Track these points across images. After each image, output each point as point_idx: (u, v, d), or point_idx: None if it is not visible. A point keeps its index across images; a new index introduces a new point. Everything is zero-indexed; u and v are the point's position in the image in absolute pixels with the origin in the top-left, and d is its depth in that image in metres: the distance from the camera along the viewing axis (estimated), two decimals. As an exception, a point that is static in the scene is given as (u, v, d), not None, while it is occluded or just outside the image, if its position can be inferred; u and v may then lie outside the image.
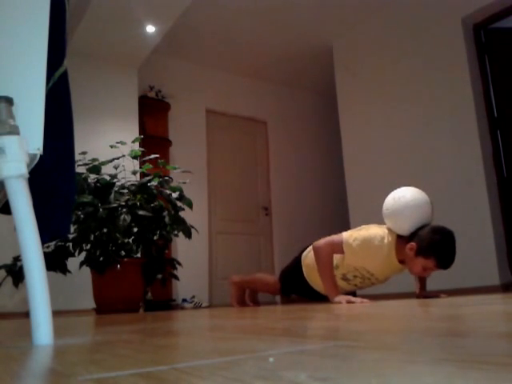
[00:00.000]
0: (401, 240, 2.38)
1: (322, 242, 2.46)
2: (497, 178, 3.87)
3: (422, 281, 2.62)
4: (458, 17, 4.07)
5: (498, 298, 2.03)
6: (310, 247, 2.71)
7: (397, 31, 4.58)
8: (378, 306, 1.86)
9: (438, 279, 3.50)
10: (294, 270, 2.79)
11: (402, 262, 2.41)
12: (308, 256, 2.70)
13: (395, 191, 2.47)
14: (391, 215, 2.40)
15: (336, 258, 2.50)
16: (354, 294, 2.72)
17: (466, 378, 0.32)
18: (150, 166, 3.47)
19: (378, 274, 2.50)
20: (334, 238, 2.47)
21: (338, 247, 2.42)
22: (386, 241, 2.37)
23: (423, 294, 2.58)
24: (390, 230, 2.44)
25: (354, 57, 5.02)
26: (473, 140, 3.86)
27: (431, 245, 2.25)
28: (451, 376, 0.34)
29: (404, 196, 2.39)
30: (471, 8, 4.01)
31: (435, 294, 2.53)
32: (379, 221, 2.55)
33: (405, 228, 2.36)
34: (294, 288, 2.83)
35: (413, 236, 2.33)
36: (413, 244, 2.30)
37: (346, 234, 2.46)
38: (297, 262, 2.78)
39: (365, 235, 2.40)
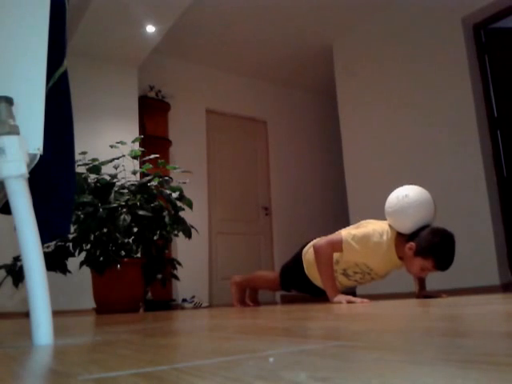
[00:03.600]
0: (401, 237, 2.39)
1: (323, 241, 2.46)
2: (497, 178, 3.87)
3: (422, 280, 2.62)
4: (458, 17, 4.07)
5: (497, 297, 2.03)
6: (311, 243, 2.72)
7: (397, 31, 4.58)
8: (378, 306, 1.86)
9: (438, 279, 3.50)
10: (294, 265, 2.80)
11: (401, 258, 2.42)
12: (309, 251, 2.70)
13: (399, 189, 2.46)
14: (394, 214, 2.40)
15: (337, 253, 2.51)
16: (354, 293, 2.72)
17: (466, 378, 0.32)
18: (150, 165, 3.47)
19: (378, 270, 2.50)
20: (333, 237, 2.47)
21: (338, 246, 2.42)
22: (385, 237, 2.38)
23: (423, 293, 2.58)
24: (390, 226, 2.44)
25: (354, 57, 5.02)
26: (473, 140, 3.85)
27: (430, 246, 2.25)
28: (451, 376, 0.34)
29: (408, 195, 2.38)
30: (471, 8, 4.01)
31: (435, 294, 2.53)
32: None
33: (407, 227, 2.36)
34: (294, 283, 2.84)
35: (413, 236, 2.34)
36: (412, 244, 2.30)
37: (344, 232, 2.46)
38: (297, 257, 2.79)
39: (363, 232, 2.41)
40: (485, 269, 3.64)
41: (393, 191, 2.50)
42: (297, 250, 2.86)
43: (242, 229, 5.65)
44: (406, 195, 2.38)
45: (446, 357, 0.43)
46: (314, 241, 2.69)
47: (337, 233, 2.54)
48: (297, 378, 0.36)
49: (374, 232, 2.39)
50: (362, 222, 2.61)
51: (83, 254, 3.21)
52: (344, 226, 2.69)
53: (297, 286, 2.85)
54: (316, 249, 2.46)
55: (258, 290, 3.15)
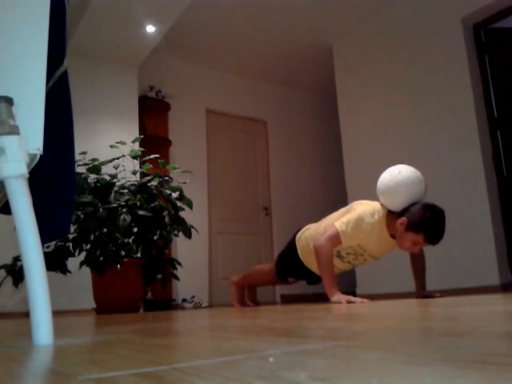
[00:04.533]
0: (391, 215, 2.44)
1: (322, 239, 2.46)
2: (497, 178, 3.87)
3: (421, 280, 2.62)
4: (458, 17, 4.07)
5: (497, 298, 2.03)
6: (304, 228, 2.79)
7: (397, 31, 4.58)
8: (378, 305, 1.86)
9: (438, 279, 3.51)
10: (288, 251, 2.83)
11: (392, 236, 2.46)
12: (302, 237, 2.75)
13: (391, 168, 2.52)
14: (387, 191, 2.46)
15: None
16: (354, 293, 2.73)
17: (466, 378, 0.32)
18: (150, 165, 3.47)
19: (371, 250, 2.53)
20: (330, 233, 2.47)
21: (337, 239, 2.44)
22: (376, 216, 2.43)
23: (423, 293, 2.58)
24: (381, 204, 2.49)
25: (354, 57, 5.02)
26: (473, 140, 3.85)
27: (421, 220, 2.30)
28: (451, 376, 0.34)
29: (400, 173, 2.45)
30: (471, 8, 4.01)
31: (434, 294, 2.53)
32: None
33: (399, 203, 2.42)
34: (290, 270, 2.86)
35: (404, 212, 2.39)
36: (404, 219, 2.35)
37: (338, 224, 2.46)
38: (291, 243, 2.82)
39: (355, 217, 2.44)
40: (485, 269, 3.64)
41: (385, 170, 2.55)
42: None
43: (241, 229, 5.65)
44: (400, 172, 2.45)
45: (445, 357, 0.43)
46: (307, 228, 2.77)
47: (329, 225, 2.55)
48: (297, 378, 0.36)
49: (365, 213, 2.44)
50: (353, 203, 2.64)
51: (83, 254, 3.21)
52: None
53: (292, 272, 2.87)
54: (318, 248, 2.47)
55: (256, 289, 3.16)
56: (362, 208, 2.49)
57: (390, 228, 2.44)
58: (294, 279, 2.94)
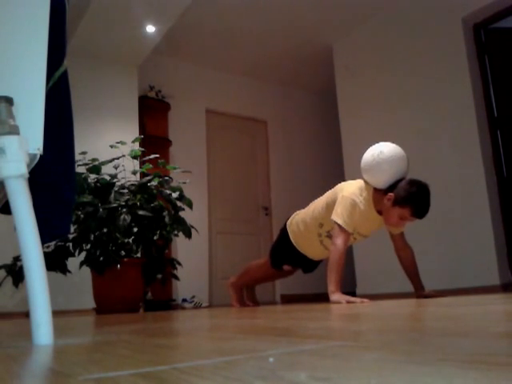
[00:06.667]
0: (378, 192, 2.49)
1: (339, 242, 2.45)
2: (497, 178, 3.87)
3: (416, 280, 2.62)
4: (458, 17, 4.07)
5: (497, 298, 2.03)
6: (293, 214, 2.87)
7: (397, 31, 4.58)
8: (378, 305, 1.86)
9: (438, 279, 3.51)
10: (281, 239, 2.88)
11: (379, 213, 2.51)
12: (292, 222, 2.81)
13: (373, 147, 2.56)
14: (370, 170, 2.50)
15: (320, 215, 2.63)
16: (353, 293, 2.73)
17: (466, 378, 0.32)
18: (150, 165, 3.47)
19: (360, 228, 2.56)
20: (338, 231, 2.47)
21: (345, 233, 2.47)
22: (364, 194, 2.49)
23: (423, 293, 2.58)
24: (366, 182, 2.54)
25: (354, 57, 5.02)
26: (473, 140, 3.85)
27: (408, 195, 2.37)
28: (451, 376, 0.34)
29: (382, 152, 2.49)
30: (471, 8, 4.00)
31: (433, 294, 2.53)
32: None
33: (383, 181, 2.47)
34: (285, 257, 2.89)
35: (391, 188, 2.44)
36: (391, 194, 2.41)
37: (336, 218, 2.47)
38: (283, 231, 2.87)
39: (348, 201, 2.47)
40: (485, 269, 3.64)
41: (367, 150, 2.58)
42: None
43: (241, 229, 5.64)
44: (381, 151, 2.49)
45: (445, 357, 0.43)
46: (296, 213, 2.85)
47: (319, 206, 2.64)
48: (297, 378, 0.36)
49: (355, 195, 2.49)
50: (338, 186, 2.67)
51: (83, 254, 3.21)
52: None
53: (287, 259, 2.90)
54: (334, 252, 2.45)
55: (255, 288, 3.16)
56: (350, 189, 2.53)
57: (376, 204, 2.50)
58: (290, 267, 2.94)
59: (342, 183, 2.69)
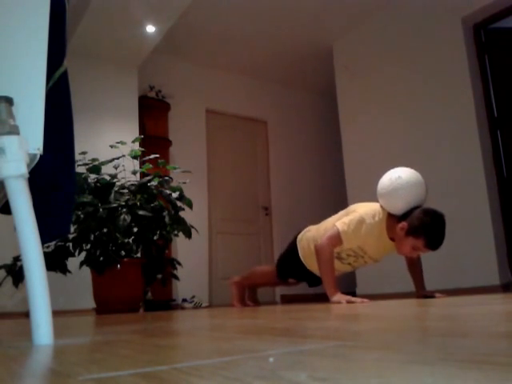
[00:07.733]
0: (392, 218, 2.43)
1: (323, 240, 2.47)
2: (497, 178, 3.87)
3: (420, 280, 2.62)
4: (458, 17, 4.07)
5: (497, 297, 2.03)
6: (305, 230, 2.80)
7: (397, 31, 4.58)
8: (378, 305, 1.86)
9: (438, 279, 3.50)
10: (290, 253, 2.83)
11: (392, 239, 2.45)
12: (303, 238, 2.75)
13: (391, 171, 2.51)
14: (386, 195, 2.44)
15: None
16: (353, 293, 2.73)
17: (466, 378, 0.32)
18: (150, 165, 3.47)
19: (371, 252, 2.53)
20: (331, 233, 2.47)
21: (338, 240, 2.44)
22: (377, 218, 2.42)
23: (424, 293, 2.58)
24: (381, 206, 2.48)
25: (354, 57, 5.02)
26: (473, 140, 3.85)
27: (422, 225, 2.29)
28: (451, 376, 0.34)
29: (400, 177, 2.42)
30: (471, 8, 4.01)
31: (435, 294, 2.53)
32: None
33: (399, 208, 2.40)
34: (291, 271, 2.86)
35: (404, 216, 2.37)
36: (404, 224, 2.34)
37: (339, 224, 2.46)
38: (292, 245, 2.82)
39: (357, 217, 2.43)
40: (485, 269, 3.64)
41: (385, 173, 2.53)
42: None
43: (241, 229, 5.64)
44: (399, 176, 2.42)
45: (445, 357, 0.43)
46: (308, 229, 2.78)
47: (330, 225, 2.56)
48: (297, 377, 0.36)
49: (367, 214, 2.43)
50: (352, 206, 2.64)
51: (83, 254, 3.21)
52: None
53: (293, 274, 2.87)
54: (319, 249, 2.47)
55: (257, 289, 3.16)
56: (363, 209, 2.48)
57: (389, 231, 2.43)
58: (295, 281, 2.94)
59: (357, 204, 2.63)
